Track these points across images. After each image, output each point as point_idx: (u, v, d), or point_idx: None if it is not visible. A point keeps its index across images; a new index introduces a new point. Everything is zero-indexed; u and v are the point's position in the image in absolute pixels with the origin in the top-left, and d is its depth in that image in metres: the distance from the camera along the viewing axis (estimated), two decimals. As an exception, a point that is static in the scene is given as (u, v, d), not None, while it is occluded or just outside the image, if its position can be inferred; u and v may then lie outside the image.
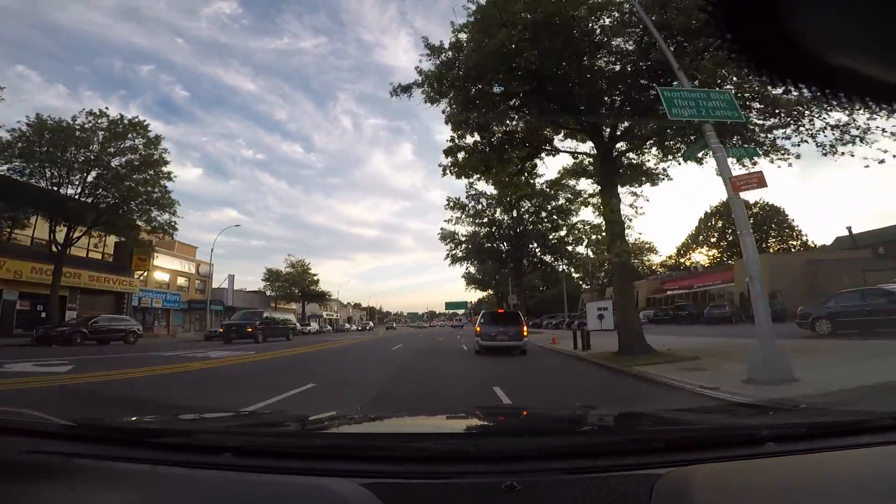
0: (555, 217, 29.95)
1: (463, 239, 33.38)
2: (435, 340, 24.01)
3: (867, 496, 0.87)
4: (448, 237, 33.41)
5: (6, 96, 19.63)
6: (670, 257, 59.73)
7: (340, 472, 0.97)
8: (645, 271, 56.03)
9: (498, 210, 31.43)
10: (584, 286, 55.19)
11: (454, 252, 33.63)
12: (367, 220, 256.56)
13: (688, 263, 55.10)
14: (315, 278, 54.40)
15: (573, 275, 45.73)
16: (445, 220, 32.90)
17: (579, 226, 29.46)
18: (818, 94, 0.55)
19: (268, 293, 51.07)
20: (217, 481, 0.98)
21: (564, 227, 30.39)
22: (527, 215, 30.97)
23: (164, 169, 23.04)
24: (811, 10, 0.48)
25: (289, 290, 50.74)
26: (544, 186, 25.09)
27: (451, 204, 31.66)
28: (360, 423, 1.87)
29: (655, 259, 59.24)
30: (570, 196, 25.44)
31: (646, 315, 30.43)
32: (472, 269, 52.76)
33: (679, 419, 1.64)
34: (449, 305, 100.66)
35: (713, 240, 53.33)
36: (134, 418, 1.74)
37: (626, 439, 1.19)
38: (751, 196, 43.25)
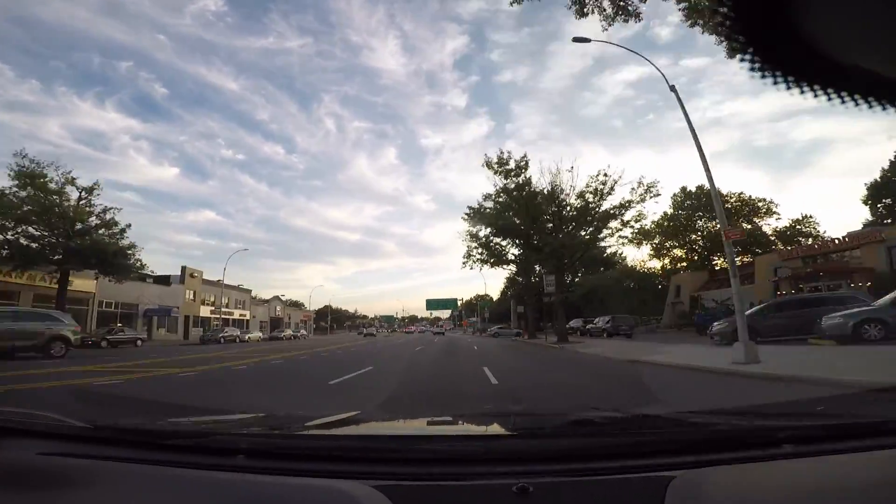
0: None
1: None
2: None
3: (887, 499, 0.87)
4: None
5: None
6: (799, 220, 43.54)
7: (352, 473, 0.97)
8: (761, 239, 41.13)
9: None
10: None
11: None
12: (350, 224, 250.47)
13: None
14: (108, 221, 25.29)
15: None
16: None
17: None
18: (832, 95, 0.54)
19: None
20: (230, 483, 0.99)
21: None
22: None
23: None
24: (823, 9, 0.48)
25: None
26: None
27: None
28: (372, 425, 1.88)
29: (773, 223, 43.53)
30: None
31: None
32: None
33: (693, 420, 1.63)
34: (431, 304, 69.62)
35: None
36: (149, 420, 1.74)
37: (639, 441, 1.18)
38: None
